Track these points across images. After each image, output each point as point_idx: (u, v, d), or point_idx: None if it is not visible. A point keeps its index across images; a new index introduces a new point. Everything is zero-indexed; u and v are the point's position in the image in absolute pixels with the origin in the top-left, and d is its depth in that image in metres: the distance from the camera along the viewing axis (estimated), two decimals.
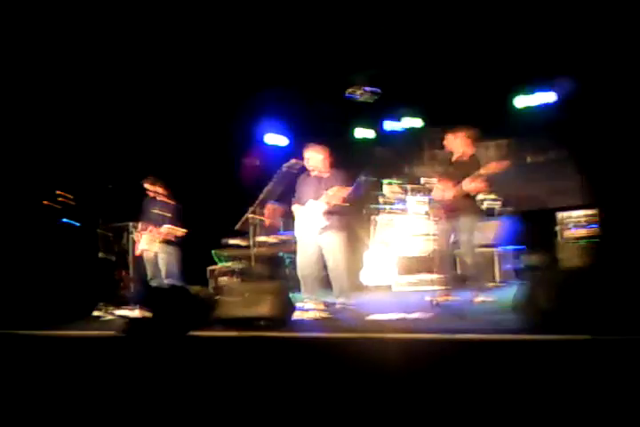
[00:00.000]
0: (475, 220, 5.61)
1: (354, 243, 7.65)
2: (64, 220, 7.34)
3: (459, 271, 5.85)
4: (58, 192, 7.46)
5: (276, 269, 7.13)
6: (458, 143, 5.68)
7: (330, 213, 5.46)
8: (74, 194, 7.42)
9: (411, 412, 3.49)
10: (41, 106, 7.13)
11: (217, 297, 5.56)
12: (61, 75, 6.87)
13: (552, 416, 3.13)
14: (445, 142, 5.78)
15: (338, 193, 5.41)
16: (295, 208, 5.73)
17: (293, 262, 6.16)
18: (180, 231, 6.55)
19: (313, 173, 5.70)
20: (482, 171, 5.33)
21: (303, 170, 5.76)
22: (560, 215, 7.22)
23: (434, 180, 5.93)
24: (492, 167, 5.28)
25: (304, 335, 4.41)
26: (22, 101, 6.99)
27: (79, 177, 7.52)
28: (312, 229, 5.51)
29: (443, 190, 5.61)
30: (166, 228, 6.50)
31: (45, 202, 7.39)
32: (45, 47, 6.42)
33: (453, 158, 5.75)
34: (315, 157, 5.64)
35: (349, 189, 5.47)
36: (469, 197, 5.56)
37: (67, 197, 7.31)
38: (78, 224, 7.40)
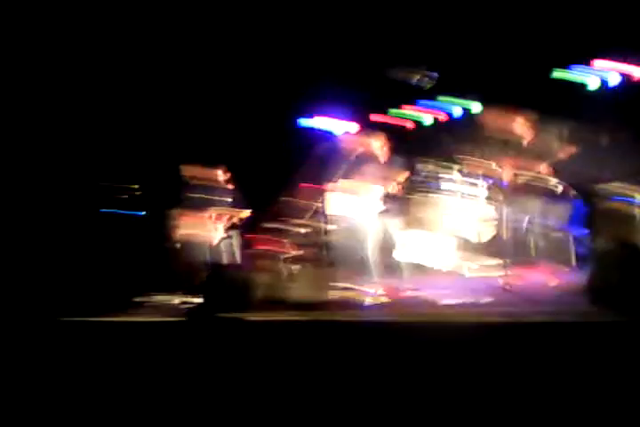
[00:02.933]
0: (544, 202, 5.63)
1: (419, 227, 7.64)
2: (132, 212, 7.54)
3: (532, 255, 5.81)
4: (123, 184, 7.66)
5: (335, 254, 7.16)
6: (517, 127, 5.69)
7: (389, 197, 5.59)
8: (141, 182, 7.60)
9: (483, 393, 3.52)
10: (102, 94, 7.28)
11: (282, 282, 5.68)
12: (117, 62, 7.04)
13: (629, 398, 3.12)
14: (505, 126, 5.77)
15: (397, 178, 5.55)
16: (350, 192, 5.85)
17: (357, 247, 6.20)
18: (247, 213, 6.64)
19: (372, 160, 5.82)
20: (561, 153, 5.38)
21: (338, 152, 5.91)
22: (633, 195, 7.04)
23: (493, 163, 5.88)
24: (569, 150, 5.30)
25: (369, 320, 4.47)
26: (78, 90, 7.16)
27: (147, 165, 7.68)
28: (374, 213, 5.63)
29: (510, 174, 5.64)
30: (246, 212, 6.62)
31: (110, 194, 7.58)
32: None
33: (514, 142, 5.74)
34: (373, 144, 5.79)
35: (405, 174, 5.56)
36: (538, 179, 5.56)
37: (133, 189, 7.50)
38: (142, 213, 7.58)
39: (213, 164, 6.86)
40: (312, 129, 8.59)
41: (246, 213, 6.61)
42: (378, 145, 5.77)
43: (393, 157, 5.79)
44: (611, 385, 3.18)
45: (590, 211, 6.69)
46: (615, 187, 6.55)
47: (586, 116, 7.63)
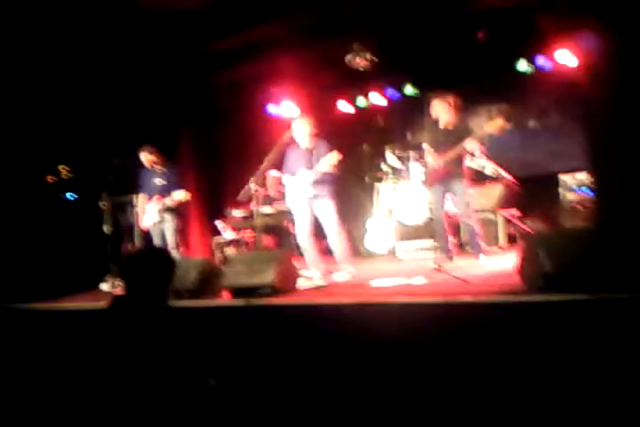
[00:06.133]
0: (467, 183, 5.68)
1: (356, 211, 7.69)
2: (67, 195, 7.36)
3: (462, 236, 5.87)
4: (60, 167, 7.47)
5: (280, 238, 7.15)
6: (443, 110, 5.68)
7: (320, 181, 5.55)
8: (77, 169, 7.42)
9: (413, 375, 3.55)
10: (41, 79, 7.07)
11: (222, 267, 5.62)
12: (60, 49, 6.82)
13: (554, 376, 3.18)
14: (431, 110, 5.77)
15: (329, 160, 5.46)
16: (285, 179, 5.86)
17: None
18: (188, 195, 6.51)
19: (300, 145, 5.77)
20: (486, 128, 5.34)
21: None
22: (563, 178, 7.20)
23: (424, 145, 5.94)
24: (497, 125, 5.28)
25: (307, 302, 4.45)
26: (22, 75, 6.94)
27: (82, 151, 7.51)
28: (304, 198, 5.62)
29: (434, 157, 5.69)
30: (180, 193, 6.45)
31: (49, 177, 7.39)
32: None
33: (440, 125, 5.75)
34: (301, 129, 5.71)
35: (339, 156, 5.49)
36: (461, 161, 5.61)
37: (68, 171, 7.31)
38: (76, 197, 7.41)
39: (148, 146, 6.73)
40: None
41: (180, 194, 6.46)
42: (307, 128, 5.70)
43: (321, 140, 5.73)
44: (533, 363, 3.26)
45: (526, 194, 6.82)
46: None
47: (517, 98, 7.79)
